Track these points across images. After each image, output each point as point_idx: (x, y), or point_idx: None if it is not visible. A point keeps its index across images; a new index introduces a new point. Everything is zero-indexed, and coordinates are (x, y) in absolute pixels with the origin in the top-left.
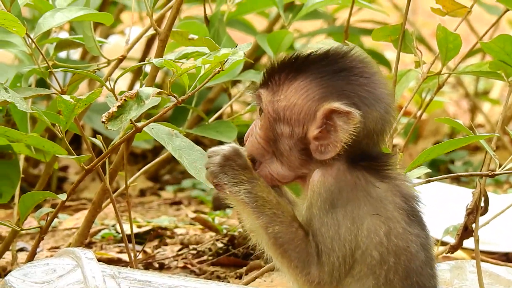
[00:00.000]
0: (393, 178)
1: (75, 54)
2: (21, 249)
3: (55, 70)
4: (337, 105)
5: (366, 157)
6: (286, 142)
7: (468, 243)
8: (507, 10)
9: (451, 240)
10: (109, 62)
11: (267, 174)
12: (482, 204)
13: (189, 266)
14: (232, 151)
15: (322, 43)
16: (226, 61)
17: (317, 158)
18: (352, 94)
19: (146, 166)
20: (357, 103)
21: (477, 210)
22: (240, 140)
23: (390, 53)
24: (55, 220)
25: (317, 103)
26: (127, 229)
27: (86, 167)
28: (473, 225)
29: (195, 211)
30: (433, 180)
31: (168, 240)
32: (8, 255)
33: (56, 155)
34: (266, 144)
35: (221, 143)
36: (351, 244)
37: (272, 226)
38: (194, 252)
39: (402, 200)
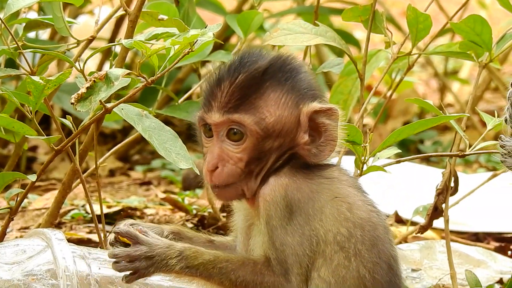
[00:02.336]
0: (331, 163)
1: (44, 34)
2: None
3: (24, 50)
4: (316, 105)
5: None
6: (273, 155)
7: (438, 223)
8: None
9: (421, 220)
10: (78, 42)
11: (237, 192)
12: (452, 184)
13: None
14: (145, 247)
15: (292, 24)
16: (196, 42)
17: (313, 161)
18: (318, 92)
19: (116, 147)
20: (326, 99)
21: (447, 190)
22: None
23: (359, 33)
24: (25, 200)
25: (296, 108)
26: (97, 209)
27: (55, 148)
28: (443, 205)
29: (164, 191)
30: (403, 161)
31: (137, 221)
32: None
33: (26, 135)
34: (246, 167)
35: (191, 123)
36: (318, 238)
37: (226, 279)
38: None
39: (349, 177)
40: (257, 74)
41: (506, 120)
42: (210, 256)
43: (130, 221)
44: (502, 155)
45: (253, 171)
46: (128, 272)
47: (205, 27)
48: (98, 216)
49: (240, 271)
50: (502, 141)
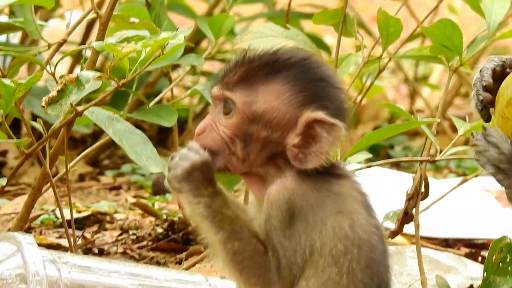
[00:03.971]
0: (345, 175)
1: (15, 38)
2: None
3: None
4: (321, 115)
5: None
6: (258, 144)
7: (408, 228)
8: None
9: (391, 225)
10: (49, 46)
11: (219, 162)
12: (423, 189)
13: (128, 251)
14: (203, 162)
15: (263, 27)
16: (167, 45)
17: (296, 165)
18: (331, 105)
19: (86, 151)
20: (336, 115)
21: (417, 195)
22: (180, 123)
23: (329, 38)
24: None
25: (298, 109)
26: (66, 214)
27: (26, 152)
28: (414, 210)
29: (134, 196)
30: (374, 165)
31: (107, 225)
32: None
33: None
34: (230, 142)
35: (161, 128)
36: (312, 249)
37: (231, 242)
38: (134, 237)
39: (359, 193)
40: (272, 62)
41: (476, 105)
42: (232, 214)
43: None
44: (476, 153)
45: (236, 153)
46: (172, 165)
47: (176, 30)
48: (68, 221)
49: (243, 244)
50: (474, 138)
